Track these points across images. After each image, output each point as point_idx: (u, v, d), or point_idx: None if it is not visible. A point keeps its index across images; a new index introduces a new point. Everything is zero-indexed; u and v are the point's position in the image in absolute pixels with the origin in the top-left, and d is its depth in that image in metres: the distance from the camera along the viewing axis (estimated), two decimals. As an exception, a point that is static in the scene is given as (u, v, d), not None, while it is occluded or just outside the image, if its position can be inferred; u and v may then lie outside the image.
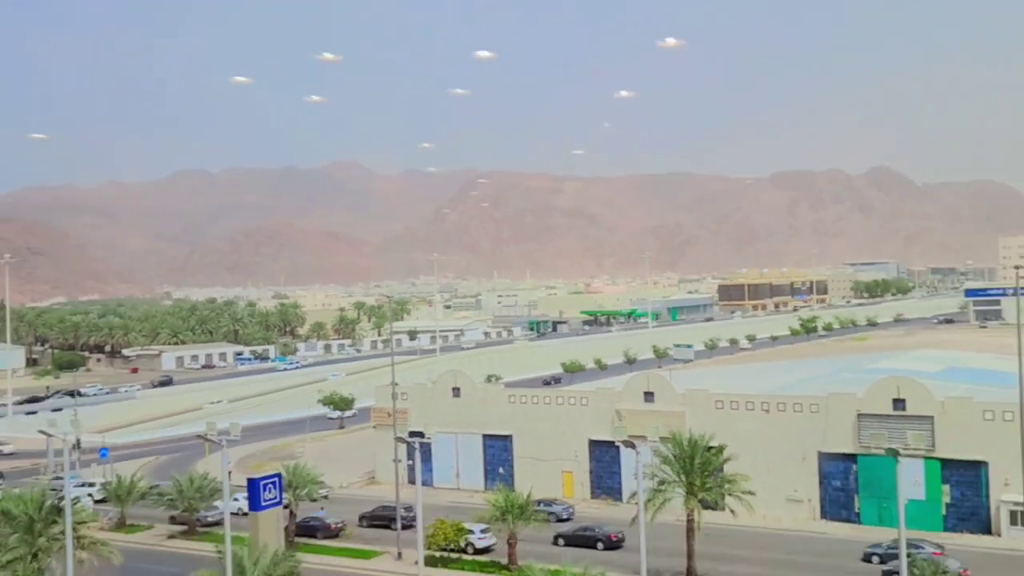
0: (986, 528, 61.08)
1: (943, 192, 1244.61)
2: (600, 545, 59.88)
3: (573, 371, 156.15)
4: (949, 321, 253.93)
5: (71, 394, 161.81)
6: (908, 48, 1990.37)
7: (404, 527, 59.92)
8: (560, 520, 65.93)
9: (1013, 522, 58.68)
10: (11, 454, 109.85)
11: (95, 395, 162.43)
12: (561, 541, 60.81)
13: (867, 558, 56.24)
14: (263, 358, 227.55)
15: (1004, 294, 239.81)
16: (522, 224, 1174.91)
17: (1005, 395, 63.20)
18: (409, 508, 61.41)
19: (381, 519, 68.42)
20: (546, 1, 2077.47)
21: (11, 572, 40.19)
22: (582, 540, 60.89)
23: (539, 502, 63.37)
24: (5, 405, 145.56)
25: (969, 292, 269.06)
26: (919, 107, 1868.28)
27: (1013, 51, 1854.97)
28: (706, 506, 52.84)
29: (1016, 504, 58.17)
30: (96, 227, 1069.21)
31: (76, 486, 68.65)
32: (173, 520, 72.40)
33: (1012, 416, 58.20)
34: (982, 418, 61.92)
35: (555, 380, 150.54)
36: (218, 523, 69.33)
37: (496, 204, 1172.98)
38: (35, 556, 46.08)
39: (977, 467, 61.74)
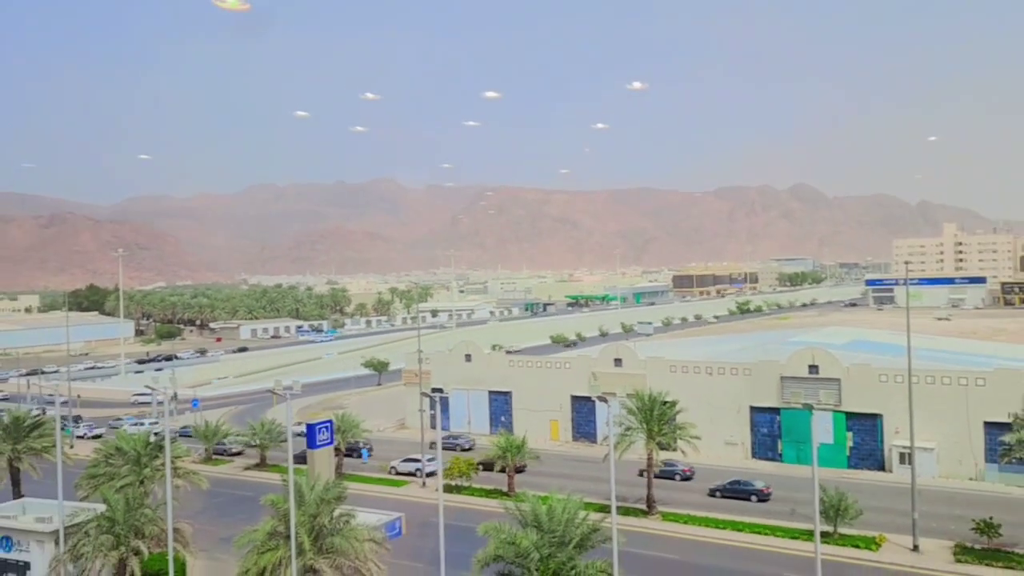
0: (880, 466, 61.17)
1: (849, 203, 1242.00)
2: (753, 498, 53.98)
3: (559, 342, 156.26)
4: (853, 305, 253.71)
5: (169, 358, 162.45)
6: (819, 86, 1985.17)
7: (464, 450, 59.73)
8: (685, 479, 59.49)
9: (901, 462, 58.70)
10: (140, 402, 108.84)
11: (188, 358, 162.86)
12: (718, 494, 55.29)
13: (711, 493, 55.20)
14: (318, 330, 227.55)
15: (896, 283, 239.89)
16: (520, 227, 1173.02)
17: (896, 362, 63.20)
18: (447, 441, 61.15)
19: (414, 461, 65.73)
20: (540, 54, 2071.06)
21: (123, 495, 40.06)
22: (735, 494, 54.82)
23: (665, 463, 56.65)
24: (119, 365, 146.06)
25: (869, 282, 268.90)
26: (830, 135, 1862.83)
27: (903, 87, 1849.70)
28: (662, 447, 52.81)
29: (904, 448, 58.17)
30: (189, 228, 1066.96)
31: (171, 429, 68.72)
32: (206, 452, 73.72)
33: (902, 379, 58.18)
34: (878, 380, 61.92)
35: (573, 344, 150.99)
36: (239, 453, 74.59)
37: (500, 212, 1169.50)
38: (141, 483, 46.02)
39: (874, 418, 61.78)
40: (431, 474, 59.69)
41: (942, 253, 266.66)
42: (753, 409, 66.61)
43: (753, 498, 54.32)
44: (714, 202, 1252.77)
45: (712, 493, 55.64)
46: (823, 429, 62.18)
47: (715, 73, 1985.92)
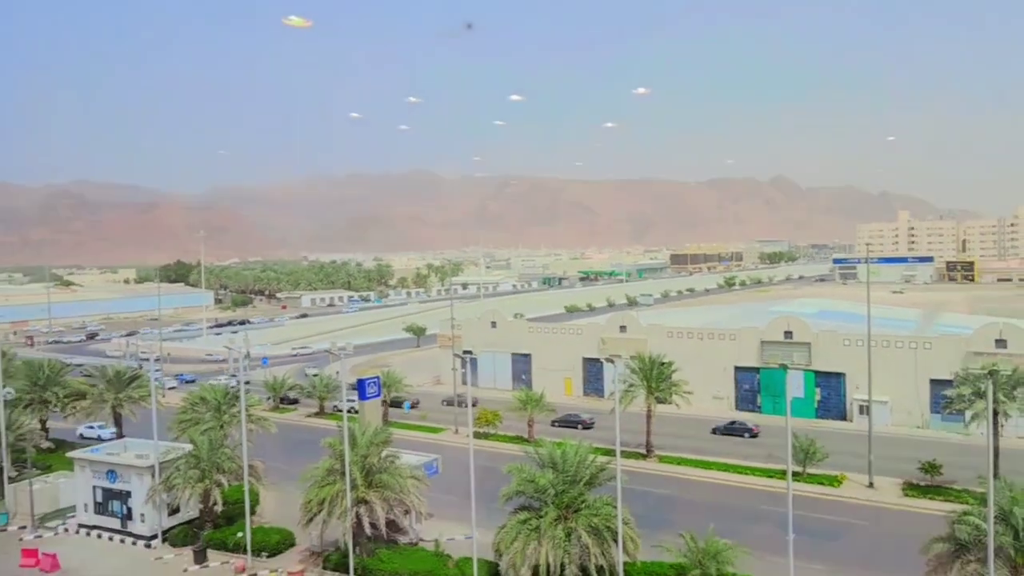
0: (843, 416, 60.91)
1: (820, 193, 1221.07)
2: (746, 435, 57.26)
3: (572, 311, 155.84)
4: (822, 280, 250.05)
5: (243, 322, 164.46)
6: (793, 87, 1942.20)
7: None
8: (752, 436, 58.04)
9: (860, 412, 58.40)
10: (215, 359, 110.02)
11: (258, 323, 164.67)
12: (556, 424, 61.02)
13: (713, 431, 58.62)
14: (366, 300, 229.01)
15: (859, 262, 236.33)
16: (539, 212, 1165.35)
17: (858, 329, 62.44)
18: (475, 401, 61.68)
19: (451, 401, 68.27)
20: (557, 61, 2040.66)
21: (207, 437, 40.93)
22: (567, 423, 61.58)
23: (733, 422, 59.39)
24: (201, 328, 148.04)
25: (835, 260, 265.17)
26: (804, 132, 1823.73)
27: (868, 81, 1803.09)
28: (659, 401, 52.83)
29: (862, 401, 57.71)
30: (260, 212, 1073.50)
31: (244, 382, 69.88)
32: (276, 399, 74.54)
33: (862, 343, 57.55)
34: (842, 344, 61.39)
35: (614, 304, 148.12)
36: (295, 401, 75.20)
37: (522, 198, 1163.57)
38: (221, 427, 46.94)
39: (838, 376, 61.43)
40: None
41: (897, 236, 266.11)
42: (737, 368, 66.33)
43: (579, 427, 60.39)
44: (706, 191, 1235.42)
45: (714, 431, 58.88)
46: (796, 385, 61.89)
47: (705, 77, 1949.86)
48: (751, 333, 66.03)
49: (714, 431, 58.74)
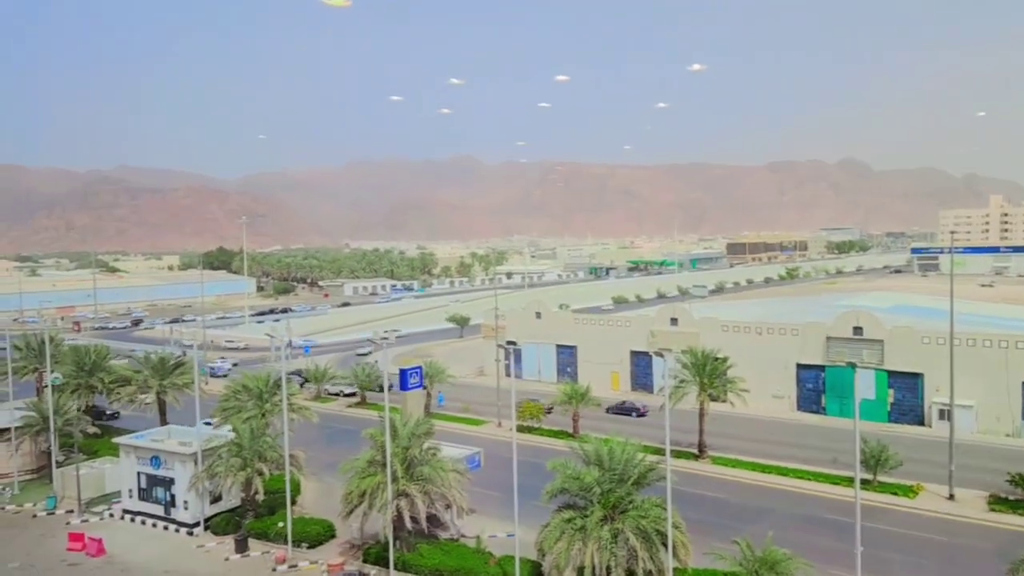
0: (920, 421, 58.63)
1: (895, 176, 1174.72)
2: (634, 414, 63.52)
3: (620, 303, 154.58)
4: (898, 271, 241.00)
5: (284, 310, 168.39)
6: (871, 65, 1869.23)
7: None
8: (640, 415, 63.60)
9: (941, 417, 56.12)
10: (244, 348, 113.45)
11: (300, 311, 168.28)
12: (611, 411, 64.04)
13: (607, 410, 62.97)
14: (409, 289, 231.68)
15: (941, 252, 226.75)
16: (585, 199, 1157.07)
17: (938, 326, 60.08)
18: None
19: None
20: (605, 39, 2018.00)
21: (249, 425, 42.13)
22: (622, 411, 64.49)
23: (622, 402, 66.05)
24: (243, 316, 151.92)
25: (914, 250, 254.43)
26: (876, 108, 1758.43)
27: (953, 58, 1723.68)
28: (712, 399, 51.90)
29: (943, 404, 55.53)
30: (300, 198, 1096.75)
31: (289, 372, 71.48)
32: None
33: (944, 341, 55.29)
34: (920, 342, 59.03)
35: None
36: (353, 395, 74.42)
37: (567, 185, 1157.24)
38: (263, 415, 48.22)
39: (915, 377, 59.09)
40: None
41: (987, 224, 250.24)
42: (799, 366, 64.61)
43: (633, 414, 63.36)
44: (766, 175, 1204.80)
45: (608, 411, 63.11)
46: (866, 386, 59.94)
47: (769, 51, 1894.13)
48: (816, 328, 64.22)
49: (608, 410, 63.05)
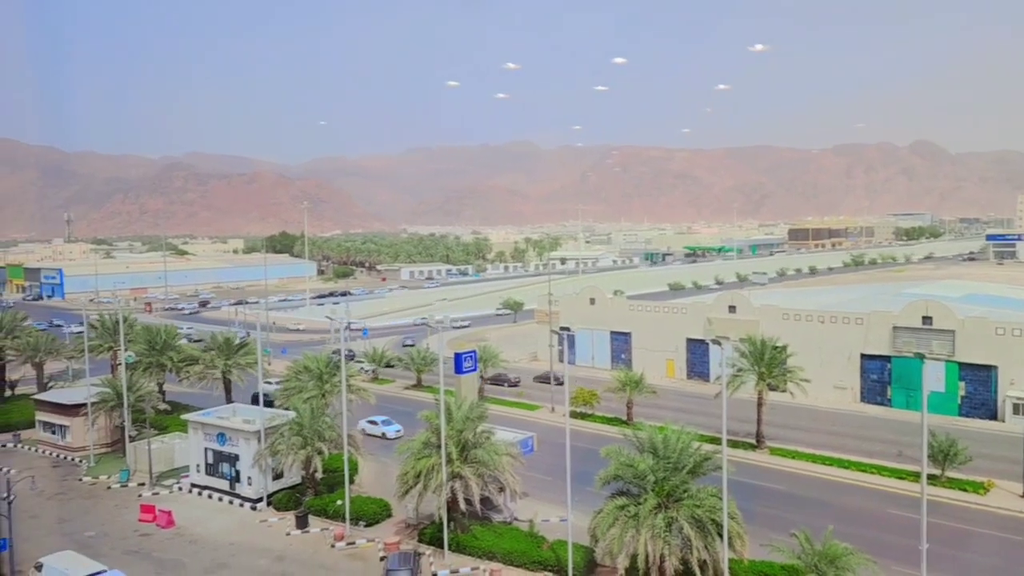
0: (993, 416, 55.91)
1: (971, 159, 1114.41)
2: (506, 384, 69.87)
3: (676, 289, 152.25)
4: (972, 259, 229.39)
5: (344, 294, 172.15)
6: (945, 43, 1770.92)
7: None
8: (512, 385, 70.84)
9: (1015, 412, 53.44)
10: (303, 330, 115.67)
11: (359, 294, 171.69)
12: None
13: (483, 381, 65.75)
14: (464, 273, 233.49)
15: (1019, 239, 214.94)
16: (642, 183, 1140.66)
17: (1014, 316, 57.06)
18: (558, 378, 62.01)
19: (544, 379, 70.29)
20: (664, 21, 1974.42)
21: (309, 405, 43.37)
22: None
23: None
24: (304, 299, 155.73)
25: (990, 237, 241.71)
26: (951, 87, 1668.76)
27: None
28: (771, 388, 50.68)
29: (1018, 398, 52.84)
30: (359, 184, 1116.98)
31: (347, 355, 73.16)
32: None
33: (1020, 332, 52.56)
34: (994, 333, 56.16)
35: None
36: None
37: (624, 169, 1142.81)
38: (323, 395, 49.54)
39: (988, 369, 56.28)
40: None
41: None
42: (864, 356, 62.44)
43: (505, 384, 69.55)
44: (832, 159, 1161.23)
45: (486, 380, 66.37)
46: (935, 378, 57.50)
47: (831, 32, 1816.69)
48: (882, 318, 61.86)
49: (483, 380, 65.63)
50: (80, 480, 48.03)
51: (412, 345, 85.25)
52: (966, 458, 42.13)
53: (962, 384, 57.62)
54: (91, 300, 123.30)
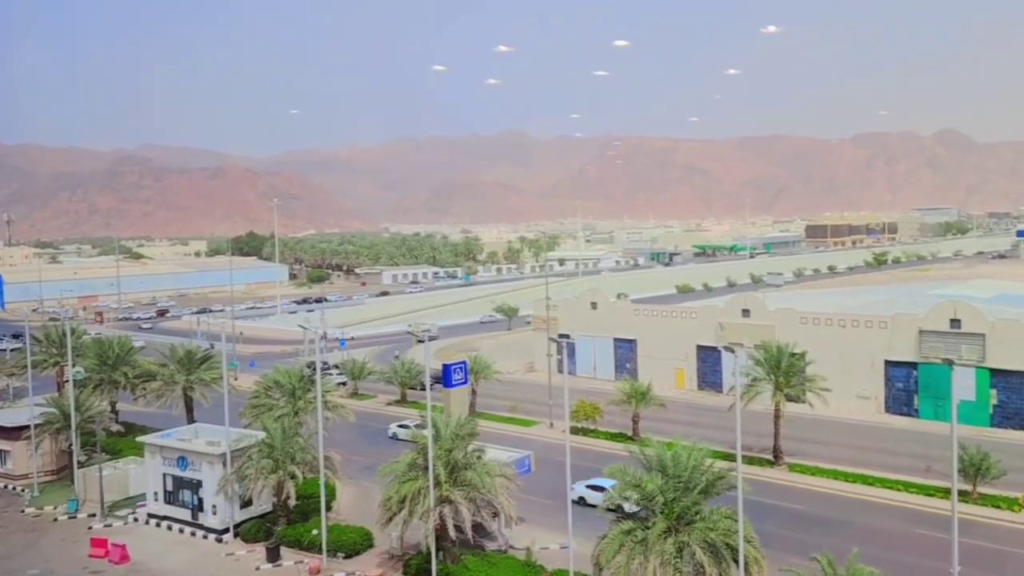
0: (1029, 426, 56.31)
1: (1001, 149, 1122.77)
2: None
3: (685, 292, 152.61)
4: (1002, 256, 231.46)
5: (319, 300, 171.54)
6: (972, 27, 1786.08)
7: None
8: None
9: (1053, 423, 53.78)
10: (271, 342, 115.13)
11: (336, 301, 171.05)
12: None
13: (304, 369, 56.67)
14: (452, 277, 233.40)
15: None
16: (647, 177, 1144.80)
17: (1052, 318, 57.49)
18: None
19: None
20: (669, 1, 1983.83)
21: (280, 424, 43.08)
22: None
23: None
24: (275, 306, 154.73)
25: (1021, 232, 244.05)
26: (982, 76, 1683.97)
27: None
28: (789, 399, 50.83)
29: (1057, 408, 53.18)
30: (337, 179, 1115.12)
31: (323, 369, 72.87)
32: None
33: (1058, 336, 52.90)
34: (1030, 337, 56.59)
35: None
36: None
37: (627, 161, 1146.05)
38: (296, 413, 49.26)
39: (1022, 376, 56.67)
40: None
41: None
42: (888, 363, 62.77)
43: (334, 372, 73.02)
44: (851, 149, 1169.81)
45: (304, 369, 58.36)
46: (964, 385, 57.78)
47: (850, 13, 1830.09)
48: (907, 321, 62.23)
49: (304, 369, 57.61)
50: (23, 511, 47.43)
51: (398, 358, 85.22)
52: (999, 472, 42.43)
53: (994, 392, 58.00)
54: (34, 310, 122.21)
